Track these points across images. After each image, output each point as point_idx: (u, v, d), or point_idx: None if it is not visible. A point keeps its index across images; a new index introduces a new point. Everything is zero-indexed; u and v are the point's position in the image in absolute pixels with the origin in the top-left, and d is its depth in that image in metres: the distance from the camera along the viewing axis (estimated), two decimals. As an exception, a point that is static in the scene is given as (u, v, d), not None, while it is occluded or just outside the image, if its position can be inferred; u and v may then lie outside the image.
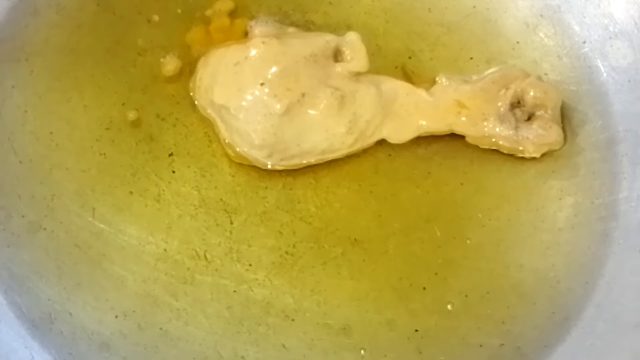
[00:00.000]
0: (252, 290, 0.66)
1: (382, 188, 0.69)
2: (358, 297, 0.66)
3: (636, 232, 0.67)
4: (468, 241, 0.68)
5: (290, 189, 0.69)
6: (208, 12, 0.73)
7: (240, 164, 0.69)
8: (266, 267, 0.67)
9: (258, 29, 0.71)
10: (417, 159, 0.70)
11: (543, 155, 0.70)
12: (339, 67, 0.67)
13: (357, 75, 0.68)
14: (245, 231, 0.67)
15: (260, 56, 0.65)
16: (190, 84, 0.70)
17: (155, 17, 0.73)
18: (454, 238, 0.68)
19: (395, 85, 0.69)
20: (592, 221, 0.69)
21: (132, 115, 0.70)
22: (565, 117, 0.71)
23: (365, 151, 0.69)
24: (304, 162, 0.68)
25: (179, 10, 0.74)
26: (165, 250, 0.67)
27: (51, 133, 0.69)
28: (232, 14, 0.73)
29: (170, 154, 0.70)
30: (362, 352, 0.65)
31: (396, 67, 0.72)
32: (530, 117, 0.69)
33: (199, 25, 0.73)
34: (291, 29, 0.71)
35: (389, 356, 0.65)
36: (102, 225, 0.67)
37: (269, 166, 0.68)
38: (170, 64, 0.71)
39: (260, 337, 0.65)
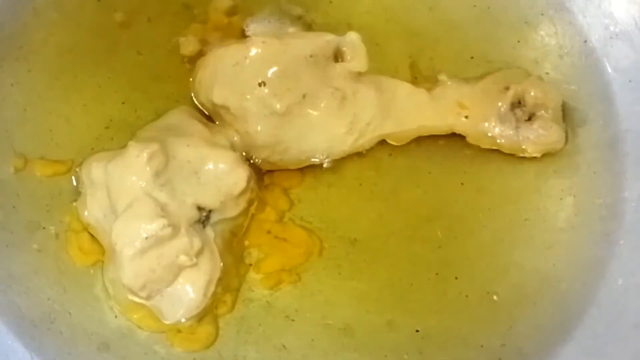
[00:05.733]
0: (252, 291, 0.66)
1: (383, 188, 0.69)
2: (358, 297, 0.66)
3: (637, 232, 0.67)
4: (469, 241, 0.68)
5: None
6: (206, 10, 0.73)
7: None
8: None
9: (258, 28, 0.71)
10: (418, 159, 0.70)
11: (544, 155, 0.69)
12: (339, 67, 0.67)
13: (358, 75, 0.67)
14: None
15: (260, 56, 0.65)
16: (190, 84, 0.70)
17: (155, 16, 0.73)
18: (455, 238, 0.68)
19: (395, 85, 0.69)
20: (593, 221, 0.69)
21: (131, 114, 0.70)
22: (566, 117, 0.71)
23: (365, 151, 0.69)
24: (304, 162, 0.68)
25: (178, 9, 0.74)
26: (165, 250, 0.67)
27: (51, 131, 0.69)
28: (230, 13, 0.73)
29: (170, 154, 0.69)
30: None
31: (397, 67, 0.72)
32: (530, 117, 0.69)
33: (196, 23, 0.73)
34: (291, 29, 0.71)
35: (389, 356, 0.65)
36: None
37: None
38: (191, 45, 0.71)
39: (260, 337, 0.65)
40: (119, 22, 0.72)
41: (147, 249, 0.60)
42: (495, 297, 0.66)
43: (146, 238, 0.60)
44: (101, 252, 0.65)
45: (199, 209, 0.63)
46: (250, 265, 0.66)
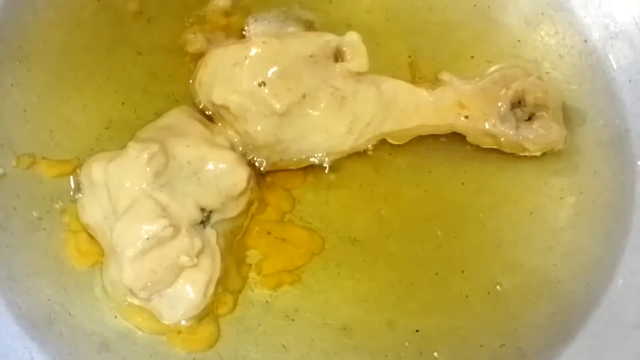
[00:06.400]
0: (252, 291, 0.66)
1: (383, 188, 0.69)
2: (358, 297, 0.66)
3: (638, 232, 0.67)
4: (469, 241, 0.68)
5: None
6: (205, 10, 0.73)
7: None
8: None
9: (258, 28, 0.71)
10: (418, 159, 0.70)
11: (544, 154, 0.70)
12: (339, 67, 0.67)
13: (358, 75, 0.67)
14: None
15: (260, 56, 0.65)
16: (190, 84, 0.70)
17: (155, 16, 0.73)
18: (455, 238, 0.68)
19: (395, 85, 0.69)
20: (593, 221, 0.69)
21: (131, 114, 0.70)
22: (566, 117, 0.71)
23: (365, 151, 0.69)
24: (304, 162, 0.68)
25: (178, 9, 0.73)
26: (165, 250, 0.67)
27: (51, 132, 0.69)
28: (229, 13, 0.73)
29: (170, 154, 0.69)
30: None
31: (397, 67, 0.72)
32: (531, 117, 0.69)
33: (195, 24, 0.73)
34: (291, 29, 0.71)
35: (389, 356, 0.65)
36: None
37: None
38: (198, 43, 0.71)
39: (260, 337, 0.65)
40: (132, 12, 0.72)
41: (148, 249, 0.60)
42: (494, 297, 0.66)
43: (147, 239, 0.60)
44: (99, 253, 0.65)
45: (200, 209, 0.63)
46: (251, 265, 0.66)
